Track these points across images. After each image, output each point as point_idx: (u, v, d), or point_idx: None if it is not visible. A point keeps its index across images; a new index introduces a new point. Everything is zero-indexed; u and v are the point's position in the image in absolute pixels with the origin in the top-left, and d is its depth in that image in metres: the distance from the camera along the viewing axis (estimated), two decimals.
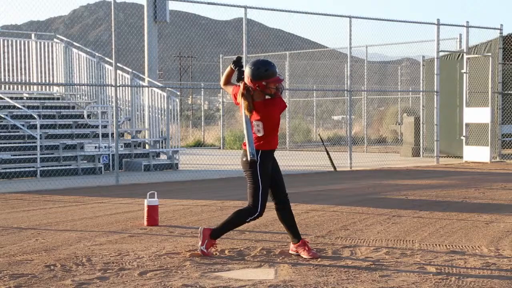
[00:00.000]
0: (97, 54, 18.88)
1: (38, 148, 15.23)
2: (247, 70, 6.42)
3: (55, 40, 19.64)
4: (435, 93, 19.70)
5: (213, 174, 15.73)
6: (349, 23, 17.37)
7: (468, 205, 10.27)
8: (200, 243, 6.54)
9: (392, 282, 5.51)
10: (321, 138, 18.90)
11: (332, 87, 33.03)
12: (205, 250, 6.51)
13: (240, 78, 6.55)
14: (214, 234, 6.56)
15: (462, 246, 7.04)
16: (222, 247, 6.92)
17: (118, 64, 15.13)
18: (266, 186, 6.44)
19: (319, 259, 6.34)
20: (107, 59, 18.41)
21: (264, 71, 6.36)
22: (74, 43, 19.64)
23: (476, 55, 19.98)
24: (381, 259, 6.38)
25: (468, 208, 9.96)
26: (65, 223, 8.67)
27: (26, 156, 15.21)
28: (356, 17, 17.82)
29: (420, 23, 20.84)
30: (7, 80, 18.72)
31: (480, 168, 17.36)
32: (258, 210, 6.43)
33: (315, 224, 8.50)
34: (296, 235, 6.57)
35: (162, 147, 17.96)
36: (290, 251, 6.62)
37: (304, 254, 6.45)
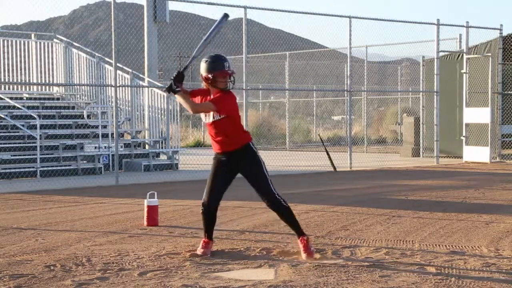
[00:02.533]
0: (97, 54, 18.88)
1: (38, 148, 15.23)
2: (202, 65, 6.45)
3: (55, 40, 19.64)
4: (435, 93, 19.70)
5: None
6: (349, 23, 17.37)
7: (468, 206, 10.27)
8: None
9: (392, 283, 5.51)
10: (321, 138, 18.90)
11: (332, 87, 33.04)
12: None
13: (178, 79, 6.47)
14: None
15: (462, 246, 7.03)
16: (222, 247, 6.92)
17: (118, 64, 15.13)
18: (210, 181, 6.52)
19: (318, 259, 6.34)
20: (107, 59, 18.41)
21: (212, 63, 6.37)
22: (74, 43, 19.64)
23: (476, 55, 19.97)
24: (381, 259, 6.37)
25: (468, 208, 9.96)
26: (65, 223, 8.67)
27: (26, 156, 15.21)
28: (356, 17, 17.83)
29: (420, 23, 20.84)
30: (7, 80, 18.72)
31: (480, 169, 17.36)
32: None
33: (315, 224, 8.50)
34: (297, 231, 6.57)
35: (162, 147, 17.96)
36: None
37: (301, 252, 6.45)
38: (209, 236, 6.64)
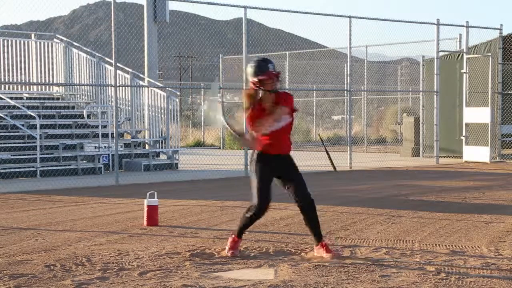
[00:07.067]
0: (97, 54, 18.88)
1: (38, 148, 15.23)
2: (247, 70, 6.47)
3: (55, 40, 19.64)
4: (435, 93, 19.70)
5: (213, 174, 15.73)
6: (349, 23, 17.37)
7: (468, 205, 10.27)
8: (226, 248, 6.63)
9: (392, 282, 5.51)
10: (321, 138, 18.90)
11: (332, 87, 33.04)
12: (229, 253, 6.58)
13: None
14: (238, 233, 6.63)
15: (462, 246, 7.04)
16: (223, 247, 6.92)
17: (118, 64, 15.12)
18: (264, 185, 6.41)
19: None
20: (107, 59, 18.41)
21: (256, 67, 6.37)
22: (74, 43, 19.64)
23: (476, 55, 19.97)
24: (381, 259, 6.38)
25: (468, 208, 9.96)
26: (65, 223, 8.67)
27: (26, 156, 15.21)
28: (356, 17, 17.83)
29: (420, 23, 20.84)
30: (7, 80, 18.72)
31: (480, 168, 17.36)
32: (256, 207, 6.43)
33: None
34: (316, 236, 6.52)
35: (162, 147, 17.96)
36: (315, 253, 6.54)
37: (325, 255, 6.39)
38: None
